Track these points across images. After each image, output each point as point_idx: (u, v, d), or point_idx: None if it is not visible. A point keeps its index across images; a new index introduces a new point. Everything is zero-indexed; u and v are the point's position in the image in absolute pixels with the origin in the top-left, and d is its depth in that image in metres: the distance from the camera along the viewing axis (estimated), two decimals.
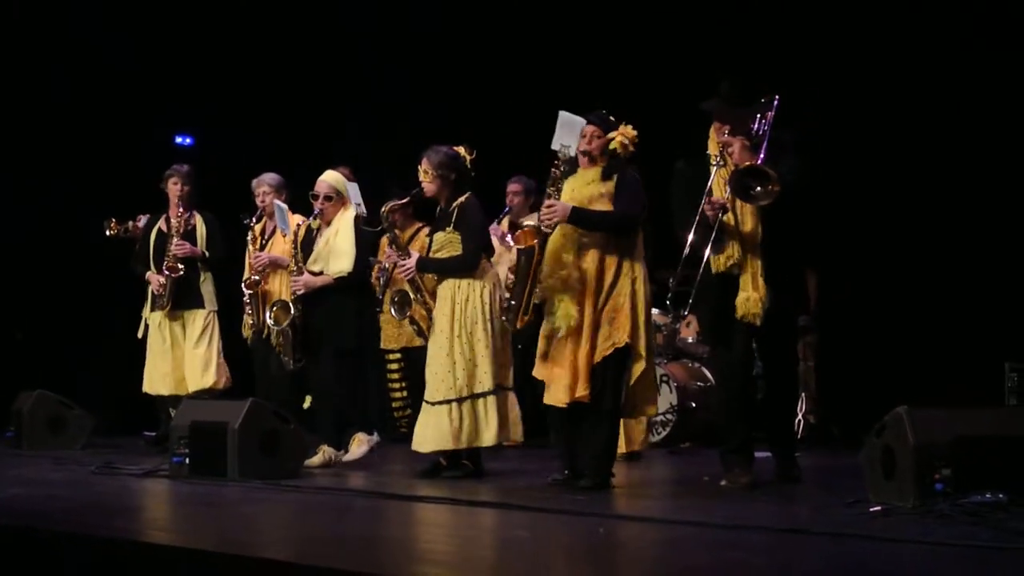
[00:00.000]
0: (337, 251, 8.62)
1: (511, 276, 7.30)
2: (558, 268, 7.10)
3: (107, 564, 5.13)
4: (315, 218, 8.73)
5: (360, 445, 8.60)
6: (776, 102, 7.00)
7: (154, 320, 9.98)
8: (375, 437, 8.68)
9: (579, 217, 7.03)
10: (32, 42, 12.40)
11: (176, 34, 12.69)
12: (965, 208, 10.14)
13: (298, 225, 8.82)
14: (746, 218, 7.00)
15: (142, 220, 10.66)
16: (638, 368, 7.11)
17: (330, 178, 8.76)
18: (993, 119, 10.01)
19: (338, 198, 8.68)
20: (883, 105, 10.22)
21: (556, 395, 7.13)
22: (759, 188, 6.73)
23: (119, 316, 11.27)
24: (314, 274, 8.70)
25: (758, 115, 7.05)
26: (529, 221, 7.13)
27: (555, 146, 7.12)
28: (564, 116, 7.11)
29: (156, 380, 9.92)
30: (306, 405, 9.38)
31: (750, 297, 6.96)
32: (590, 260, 7.10)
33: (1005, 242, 10.01)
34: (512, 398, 7.91)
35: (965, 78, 10.07)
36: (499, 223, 10.03)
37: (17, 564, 5.48)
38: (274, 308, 8.79)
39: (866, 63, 10.26)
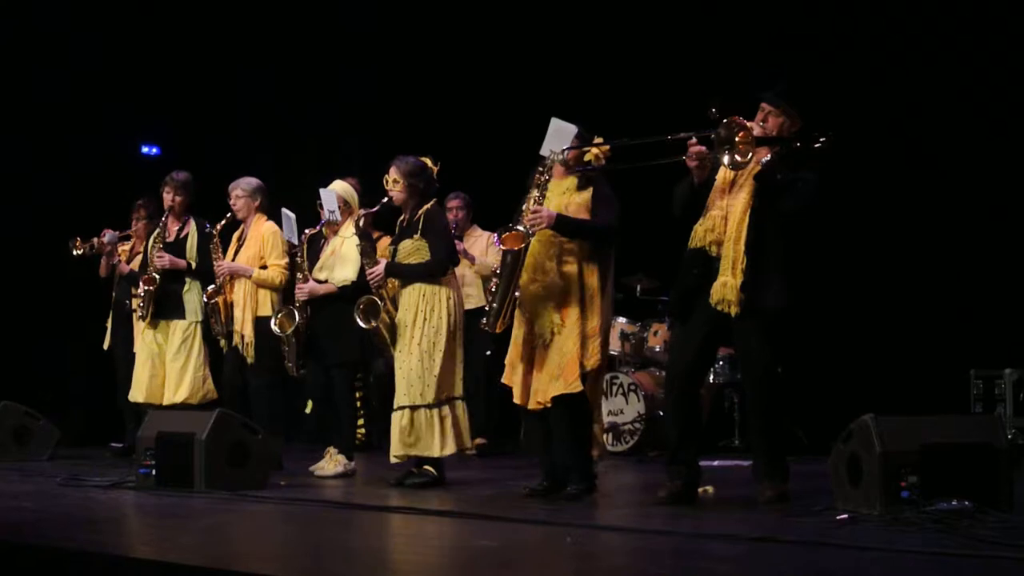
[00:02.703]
0: (343, 260, 8.69)
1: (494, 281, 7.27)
2: (539, 275, 7.12)
3: None
4: (323, 227, 8.77)
5: (336, 465, 8.61)
6: (828, 136, 6.67)
7: (138, 330, 9.90)
8: (352, 465, 8.69)
9: (563, 224, 7.04)
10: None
11: (174, 45, 12.70)
12: (931, 217, 10.19)
13: (306, 233, 8.83)
14: (737, 201, 6.75)
15: (106, 235, 10.60)
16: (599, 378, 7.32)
17: (338, 188, 8.83)
18: (959, 131, 10.07)
19: (345, 208, 8.74)
20: (848, 115, 10.26)
21: (536, 397, 7.17)
22: (732, 155, 6.48)
23: (86, 327, 11.21)
24: (319, 282, 8.74)
25: (800, 127, 6.79)
26: (519, 226, 7.09)
27: (544, 152, 7.09)
28: (556, 123, 7.10)
29: (135, 388, 9.79)
30: (307, 410, 9.36)
31: (727, 283, 6.66)
32: (571, 268, 7.13)
33: (971, 251, 10.06)
34: (463, 407, 7.99)
35: (941, 88, 10.14)
36: None
37: None
38: (279, 315, 8.82)
39: (841, 71, 10.29)
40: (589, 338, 7.08)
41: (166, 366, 9.69)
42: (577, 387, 7.04)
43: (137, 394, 9.73)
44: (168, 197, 9.76)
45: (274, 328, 8.86)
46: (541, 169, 7.15)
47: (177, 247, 9.71)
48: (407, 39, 12.56)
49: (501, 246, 7.11)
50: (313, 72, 12.94)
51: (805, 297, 6.86)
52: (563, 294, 7.11)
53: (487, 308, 7.25)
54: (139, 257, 10.45)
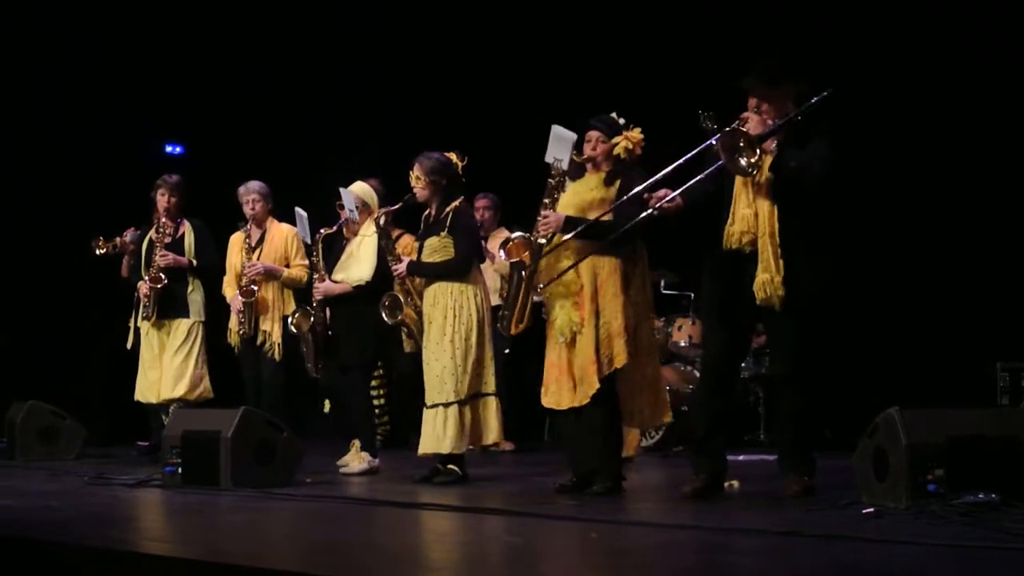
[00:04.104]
0: (358, 260, 8.70)
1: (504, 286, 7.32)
2: (556, 275, 7.09)
3: (100, 575, 5.12)
4: (338, 228, 8.79)
5: (360, 463, 8.61)
6: (822, 96, 6.60)
7: (143, 329, 9.99)
8: (376, 462, 8.69)
9: (572, 225, 7.03)
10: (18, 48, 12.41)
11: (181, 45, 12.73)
12: (956, 208, 10.15)
13: (319, 233, 8.86)
14: (763, 196, 6.69)
15: (128, 234, 10.66)
16: (641, 375, 7.19)
17: (357, 189, 8.82)
18: (981, 122, 10.02)
19: (364, 208, 8.74)
20: (870, 105, 10.23)
21: (557, 399, 7.17)
22: (743, 160, 6.44)
23: (110, 325, 11.24)
24: (336, 283, 8.76)
25: (795, 98, 6.73)
26: (517, 234, 7.14)
27: (548, 159, 7.12)
28: (556, 130, 7.11)
29: (145, 388, 9.94)
30: (325, 410, 9.39)
31: (774, 279, 6.60)
32: (587, 267, 7.09)
33: (997, 242, 10.02)
34: (496, 402, 7.96)
35: (959, 81, 10.09)
36: None
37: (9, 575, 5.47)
38: (295, 315, 8.88)
39: (862, 64, 10.24)
40: (613, 337, 7.02)
41: (166, 361, 9.82)
42: (593, 388, 7.00)
43: (150, 395, 9.88)
44: (163, 199, 9.92)
45: (291, 328, 8.93)
46: (552, 174, 7.14)
47: (175, 247, 9.88)
48: (416, 37, 12.60)
49: (507, 257, 7.13)
50: (315, 71, 12.98)
51: (832, 290, 6.85)
52: (579, 294, 7.09)
53: (500, 313, 7.27)
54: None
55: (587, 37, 11.73)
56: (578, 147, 7.24)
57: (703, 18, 11.14)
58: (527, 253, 7.11)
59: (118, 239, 10.82)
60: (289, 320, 8.98)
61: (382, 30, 12.87)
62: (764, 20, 10.70)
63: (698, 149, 6.74)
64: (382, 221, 8.41)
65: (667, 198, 6.75)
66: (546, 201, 7.15)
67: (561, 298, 7.10)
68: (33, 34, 12.39)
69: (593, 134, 7.17)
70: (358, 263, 8.70)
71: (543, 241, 7.10)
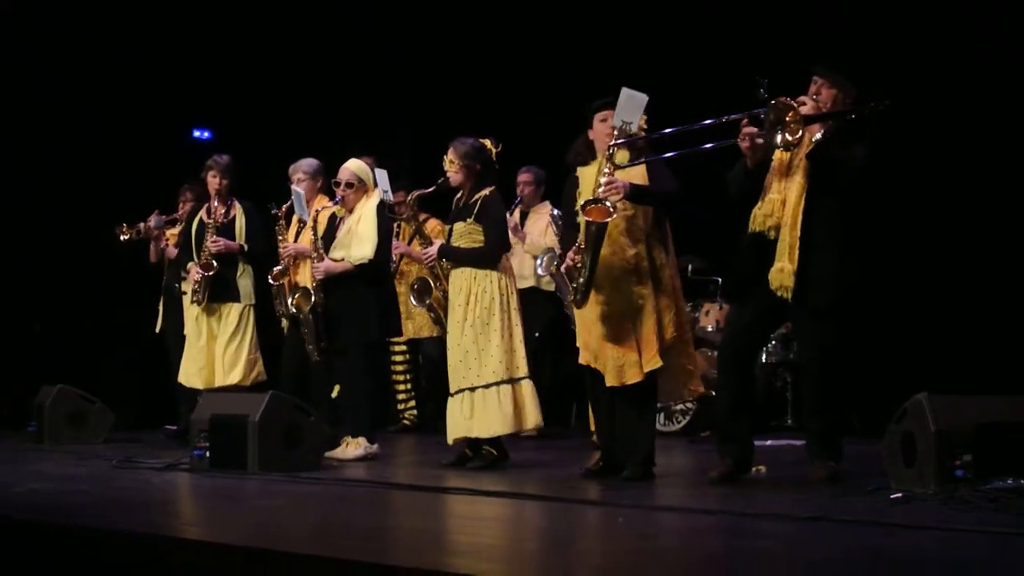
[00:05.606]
0: (359, 238, 8.60)
1: (572, 257, 7.13)
2: (615, 250, 7.02)
3: (128, 558, 5.15)
4: (336, 204, 8.74)
5: (356, 448, 8.51)
6: (883, 103, 6.51)
7: (191, 314, 9.96)
8: (375, 448, 8.59)
9: (636, 193, 6.95)
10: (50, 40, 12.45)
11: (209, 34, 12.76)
12: (986, 191, 10.09)
13: (317, 211, 8.84)
14: (793, 184, 6.70)
15: (152, 219, 10.65)
16: (685, 353, 7.25)
17: (352, 166, 8.75)
18: (1009, 110, 9.96)
19: (360, 186, 8.68)
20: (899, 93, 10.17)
21: (621, 376, 7.05)
22: (780, 135, 6.39)
23: (139, 310, 11.28)
24: (335, 261, 8.71)
25: (855, 97, 6.71)
26: (608, 201, 6.93)
27: (616, 123, 6.95)
28: (626, 92, 6.94)
29: (192, 373, 9.83)
30: (334, 395, 9.37)
31: (784, 268, 6.62)
32: (640, 242, 7.05)
33: None
34: (530, 386, 7.92)
35: (988, 71, 10.03)
36: (510, 214, 10.03)
37: (37, 559, 5.50)
38: (296, 296, 8.82)
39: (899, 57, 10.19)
40: (663, 311, 7.03)
41: (219, 348, 9.78)
42: (657, 363, 6.99)
43: (196, 381, 9.79)
44: (215, 181, 9.83)
45: (291, 309, 8.89)
46: (615, 138, 6.98)
47: (226, 230, 9.79)
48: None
49: (587, 218, 6.92)
50: (315, 71, 13.01)
51: (857, 289, 6.82)
52: (636, 269, 7.03)
53: (574, 285, 7.15)
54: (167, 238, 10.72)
55: (585, 33, 11.67)
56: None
57: (700, 15, 11.10)
58: (607, 220, 6.89)
59: (141, 225, 10.82)
60: (290, 301, 8.94)
61: (382, 30, 12.85)
62: (766, 22, 10.67)
63: (749, 113, 6.63)
64: (410, 200, 8.40)
65: (755, 135, 6.63)
66: (608, 167, 6.96)
67: (622, 274, 7.03)
68: (33, 34, 12.38)
69: (609, 113, 7.11)
70: (359, 241, 8.58)
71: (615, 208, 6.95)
